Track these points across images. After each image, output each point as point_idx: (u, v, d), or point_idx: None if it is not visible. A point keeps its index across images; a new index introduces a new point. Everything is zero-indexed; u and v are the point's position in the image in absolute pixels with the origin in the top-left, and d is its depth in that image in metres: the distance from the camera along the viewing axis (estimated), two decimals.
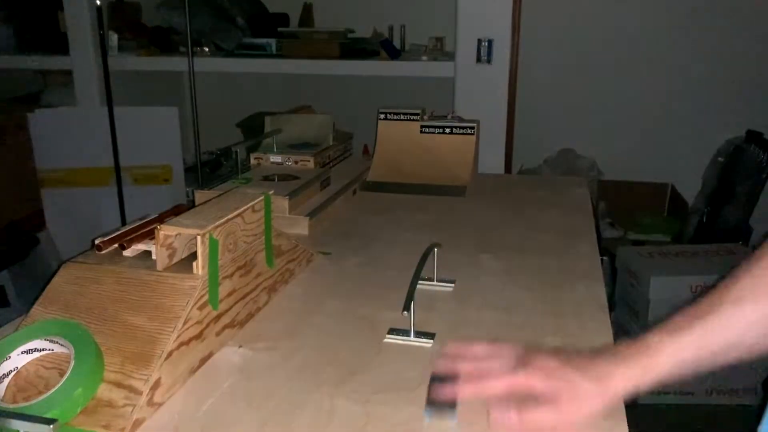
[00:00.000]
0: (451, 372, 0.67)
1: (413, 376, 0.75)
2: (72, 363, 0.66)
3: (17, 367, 0.71)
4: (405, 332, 0.85)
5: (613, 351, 0.67)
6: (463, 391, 0.65)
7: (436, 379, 0.67)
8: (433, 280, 1.00)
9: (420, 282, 0.98)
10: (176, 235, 0.79)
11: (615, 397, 0.64)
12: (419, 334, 0.84)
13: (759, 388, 2.07)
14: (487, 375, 0.66)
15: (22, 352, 0.71)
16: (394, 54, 2.63)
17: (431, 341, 0.83)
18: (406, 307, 0.81)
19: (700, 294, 0.71)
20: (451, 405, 0.66)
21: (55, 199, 2.65)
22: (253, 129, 2.57)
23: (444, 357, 0.70)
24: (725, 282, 0.69)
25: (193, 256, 0.78)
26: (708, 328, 0.67)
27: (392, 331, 0.86)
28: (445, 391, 0.65)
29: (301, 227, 1.23)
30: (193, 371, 0.76)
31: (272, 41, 2.69)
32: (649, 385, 0.64)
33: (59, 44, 2.69)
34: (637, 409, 2.16)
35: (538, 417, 0.63)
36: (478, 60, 2.35)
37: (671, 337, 0.67)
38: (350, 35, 2.70)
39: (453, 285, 1.00)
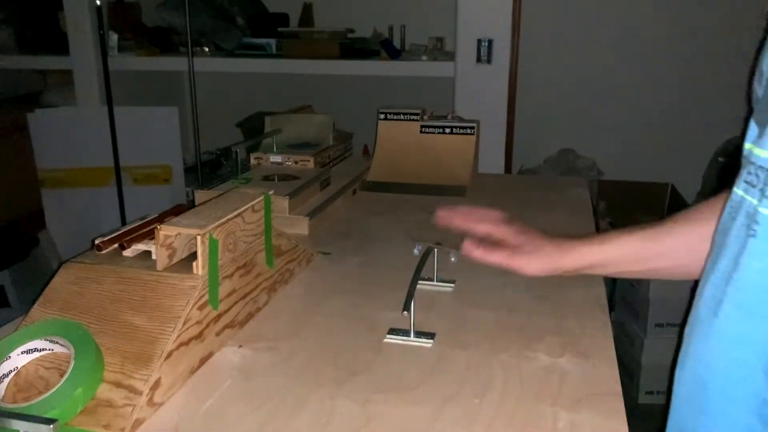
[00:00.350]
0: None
1: (413, 376, 0.75)
2: (72, 363, 0.67)
3: (17, 367, 0.71)
4: (405, 332, 0.85)
5: (574, 236, 0.83)
6: (456, 224, 0.85)
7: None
8: (433, 280, 1.00)
9: (420, 282, 0.98)
10: (176, 235, 0.79)
11: (567, 263, 0.80)
12: (419, 334, 0.84)
13: None
14: (476, 220, 0.86)
15: (22, 352, 0.71)
16: (394, 54, 2.63)
17: (431, 341, 0.83)
18: (406, 307, 0.81)
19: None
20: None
21: (55, 199, 2.65)
22: (253, 129, 2.57)
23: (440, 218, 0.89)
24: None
25: (193, 256, 0.78)
26: (648, 234, 0.78)
27: (392, 331, 0.86)
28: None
29: (301, 227, 1.23)
30: (193, 371, 0.76)
31: (272, 41, 2.69)
32: (595, 264, 0.80)
33: (59, 44, 2.69)
34: (637, 409, 2.16)
35: (497, 258, 0.81)
36: (478, 60, 2.35)
37: (619, 233, 0.80)
38: (350, 35, 2.70)
39: (453, 285, 1.00)
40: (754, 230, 0.56)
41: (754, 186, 0.59)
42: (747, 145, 0.63)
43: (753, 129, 0.63)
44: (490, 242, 0.83)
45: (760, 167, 0.58)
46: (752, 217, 0.57)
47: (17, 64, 2.81)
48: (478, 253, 0.82)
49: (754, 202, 0.58)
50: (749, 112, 0.65)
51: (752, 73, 0.67)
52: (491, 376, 0.75)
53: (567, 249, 0.81)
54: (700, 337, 0.62)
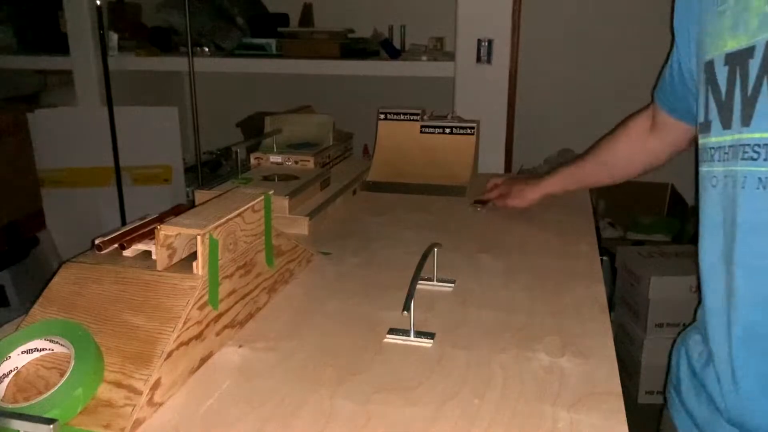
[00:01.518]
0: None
1: (413, 376, 0.75)
2: (72, 363, 0.67)
3: (17, 367, 0.71)
4: (405, 332, 0.85)
5: (540, 174, 1.37)
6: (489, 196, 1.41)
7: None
8: (433, 280, 1.00)
9: (420, 282, 0.98)
10: (176, 235, 0.79)
11: (536, 195, 1.34)
12: (419, 334, 0.84)
13: None
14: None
15: (22, 352, 0.71)
16: (394, 54, 2.63)
17: (431, 341, 0.83)
18: (406, 307, 0.81)
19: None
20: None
21: (55, 199, 2.65)
22: (253, 129, 2.57)
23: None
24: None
25: (193, 256, 0.78)
26: (576, 165, 1.30)
27: (392, 331, 0.86)
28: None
29: (301, 227, 1.23)
30: (193, 371, 0.76)
31: (272, 41, 2.69)
32: (556, 191, 1.33)
33: (59, 44, 2.69)
34: (637, 409, 2.16)
35: (502, 203, 1.38)
36: (478, 60, 2.35)
37: (561, 170, 1.33)
38: (350, 35, 2.70)
39: (453, 285, 1.00)
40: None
41: None
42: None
43: None
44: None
45: None
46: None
47: (17, 64, 2.81)
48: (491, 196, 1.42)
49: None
50: None
51: None
52: (491, 376, 0.75)
53: (534, 186, 1.34)
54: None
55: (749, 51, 0.67)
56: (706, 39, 0.74)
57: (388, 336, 0.85)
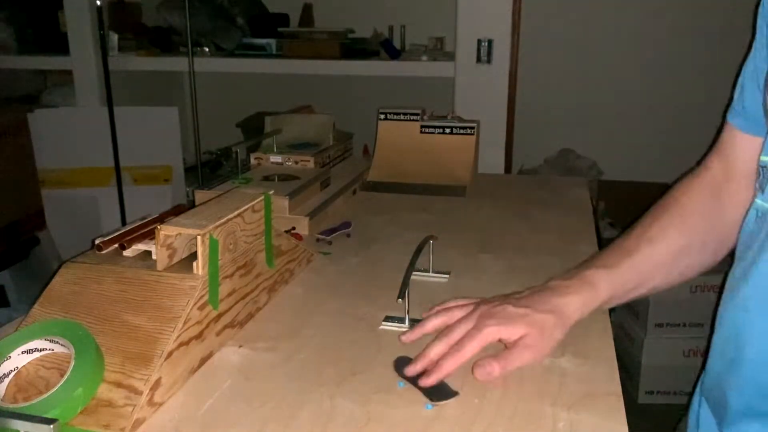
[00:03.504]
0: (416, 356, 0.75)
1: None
2: (72, 363, 0.67)
3: (17, 367, 0.71)
4: (400, 320, 0.87)
5: (554, 286, 0.79)
6: (447, 368, 0.71)
7: (401, 363, 0.74)
8: (428, 271, 1.02)
9: (416, 273, 0.99)
10: (176, 235, 0.79)
11: (570, 324, 0.76)
12: (414, 322, 0.86)
13: None
14: (454, 330, 0.74)
15: (22, 352, 0.71)
16: (394, 54, 2.63)
17: None
18: (401, 295, 0.83)
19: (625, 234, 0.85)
20: (446, 390, 0.70)
21: (55, 199, 2.65)
22: (253, 129, 2.57)
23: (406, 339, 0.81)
24: (643, 221, 0.85)
25: (193, 256, 0.78)
26: (633, 264, 0.79)
27: (388, 318, 0.88)
28: (430, 380, 0.71)
29: (301, 227, 1.23)
30: (193, 371, 0.76)
31: (272, 41, 2.69)
32: (590, 311, 0.78)
33: (59, 44, 2.69)
34: (637, 409, 2.16)
35: (517, 361, 0.72)
36: (478, 60, 2.35)
37: (607, 272, 0.79)
38: (350, 35, 2.70)
39: (448, 276, 1.03)
40: None
41: None
42: (763, 158, 0.67)
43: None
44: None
45: None
46: None
47: (17, 64, 2.81)
48: (497, 371, 0.72)
49: None
50: None
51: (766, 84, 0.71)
52: None
53: (558, 311, 0.76)
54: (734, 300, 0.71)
55: None
56: None
57: (383, 323, 0.87)
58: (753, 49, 0.77)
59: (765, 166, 0.70)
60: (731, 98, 0.82)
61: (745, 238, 0.74)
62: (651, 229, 0.82)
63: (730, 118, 0.83)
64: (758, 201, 0.71)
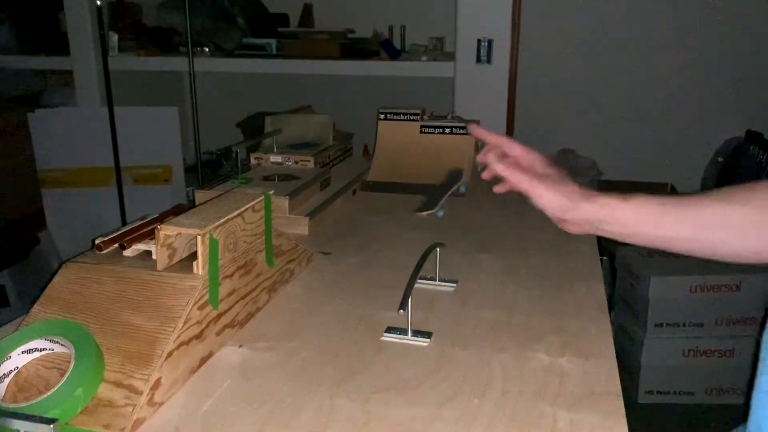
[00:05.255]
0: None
1: (413, 376, 0.75)
2: (72, 363, 0.67)
3: (17, 367, 0.71)
4: (402, 331, 0.85)
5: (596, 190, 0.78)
6: (497, 168, 0.81)
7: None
8: (435, 280, 1.00)
9: (422, 281, 0.98)
10: (176, 235, 0.79)
11: (586, 208, 0.76)
12: (416, 333, 0.84)
13: None
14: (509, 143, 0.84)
15: (22, 352, 0.71)
16: (394, 54, 2.63)
17: (428, 340, 0.83)
18: (402, 306, 0.81)
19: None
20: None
21: (55, 199, 2.65)
22: (253, 129, 2.57)
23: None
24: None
25: (193, 256, 0.78)
26: (680, 207, 0.73)
27: (390, 329, 0.86)
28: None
29: (301, 227, 1.23)
30: (193, 371, 0.76)
31: (272, 41, 2.69)
32: (612, 220, 0.75)
33: (59, 44, 2.69)
34: (637, 409, 2.16)
35: (517, 178, 0.79)
36: (478, 60, 2.35)
37: (645, 197, 0.75)
38: (350, 35, 2.70)
39: (455, 285, 1.00)
40: None
41: None
42: None
43: None
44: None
45: None
46: None
47: (17, 64, 2.81)
48: (501, 168, 0.79)
49: None
50: None
51: None
52: (491, 375, 0.75)
53: (589, 195, 0.77)
54: None
55: None
56: None
57: (385, 334, 0.85)
58: None
59: None
60: None
61: None
62: (706, 193, 0.75)
63: None
64: None
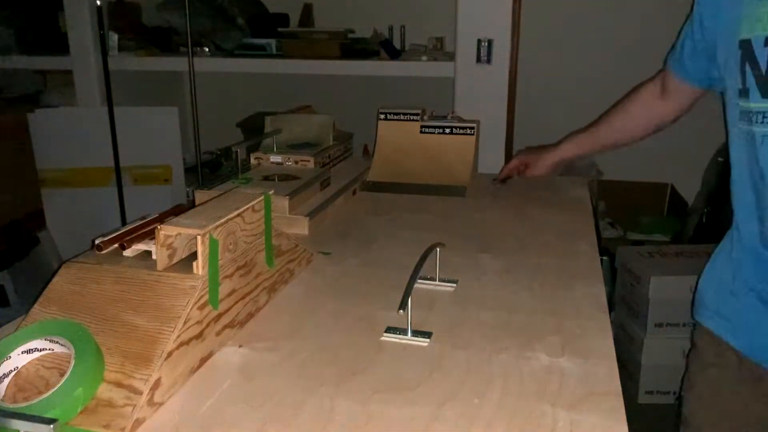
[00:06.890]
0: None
1: (413, 376, 0.75)
2: (72, 363, 0.67)
3: (17, 367, 0.71)
4: (402, 331, 0.85)
5: (555, 143, 1.48)
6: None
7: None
8: (435, 280, 1.00)
9: (421, 281, 0.98)
10: (176, 235, 0.79)
11: (558, 157, 1.49)
12: (416, 333, 0.84)
13: None
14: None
15: (22, 352, 0.71)
16: (394, 54, 2.63)
17: (428, 340, 0.83)
18: (402, 307, 0.81)
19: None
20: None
21: (55, 199, 2.65)
22: (253, 129, 2.57)
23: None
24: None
25: (193, 256, 0.78)
26: (595, 134, 1.42)
27: (389, 329, 0.86)
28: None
29: (301, 227, 1.23)
30: (193, 371, 0.76)
31: (272, 41, 2.69)
32: (567, 157, 1.48)
33: (59, 44, 2.69)
34: (637, 409, 2.16)
35: (525, 174, 1.55)
36: (478, 60, 2.35)
37: (575, 135, 1.46)
38: (350, 35, 2.70)
39: (455, 285, 1.00)
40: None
41: None
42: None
43: None
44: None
45: None
46: None
47: (17, 64, 2.81)
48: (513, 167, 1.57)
49: None
50: None
51: None
52: (491, 376, 0.75)
53: (549, 152, 1.49)
54: None
55: None
56: (743, 20, 0.87)
57: (385, 334, 0.85)
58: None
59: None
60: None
61: None
62: (611, 113, 1.37)
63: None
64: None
